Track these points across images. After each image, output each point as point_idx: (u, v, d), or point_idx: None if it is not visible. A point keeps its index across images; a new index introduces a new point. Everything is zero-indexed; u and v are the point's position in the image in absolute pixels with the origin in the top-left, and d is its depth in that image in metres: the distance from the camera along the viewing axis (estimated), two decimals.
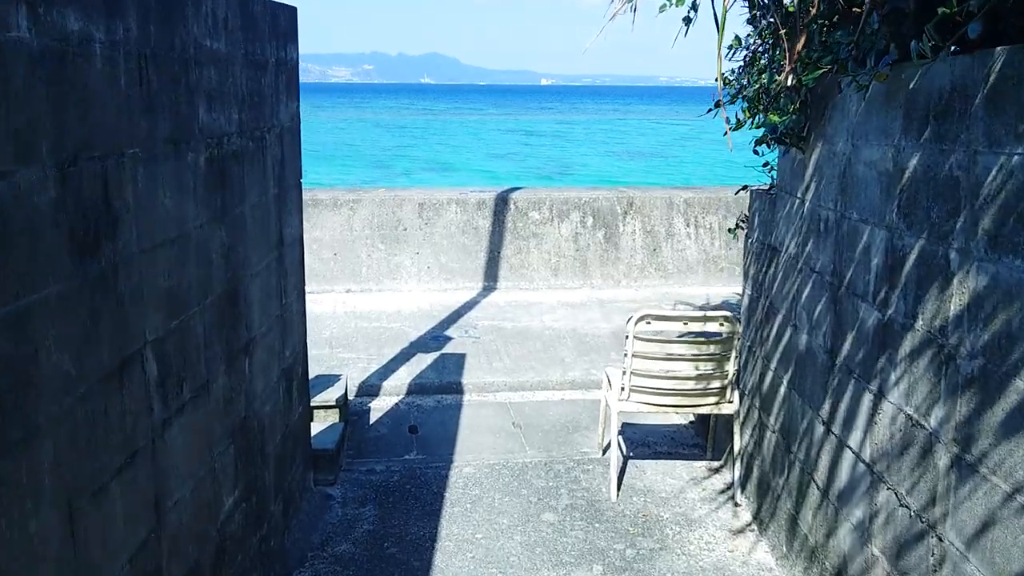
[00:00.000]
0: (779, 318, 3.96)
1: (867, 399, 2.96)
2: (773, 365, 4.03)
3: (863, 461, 2.99)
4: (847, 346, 3.15)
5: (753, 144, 4.13)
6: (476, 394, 6.06)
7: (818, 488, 3.44)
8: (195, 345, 2.74)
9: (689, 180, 35.52)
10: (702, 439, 5.25)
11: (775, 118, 3.43)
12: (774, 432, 4.01)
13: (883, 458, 2.83)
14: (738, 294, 8.39)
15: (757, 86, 3.60)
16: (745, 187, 5.11)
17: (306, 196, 8.25)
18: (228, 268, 3.06)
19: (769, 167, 4.44)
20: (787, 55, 3.03)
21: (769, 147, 4.15)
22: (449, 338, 7.01)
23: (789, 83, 3.13)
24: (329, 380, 5.33)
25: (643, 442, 5.25)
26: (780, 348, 3.94)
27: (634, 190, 9.10)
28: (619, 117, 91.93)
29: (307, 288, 8.32)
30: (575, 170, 39.19)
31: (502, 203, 8.57)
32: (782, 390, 3.90)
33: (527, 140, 57.99)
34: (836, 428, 3.24)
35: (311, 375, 5.62)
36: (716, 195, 8.92)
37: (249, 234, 3.32)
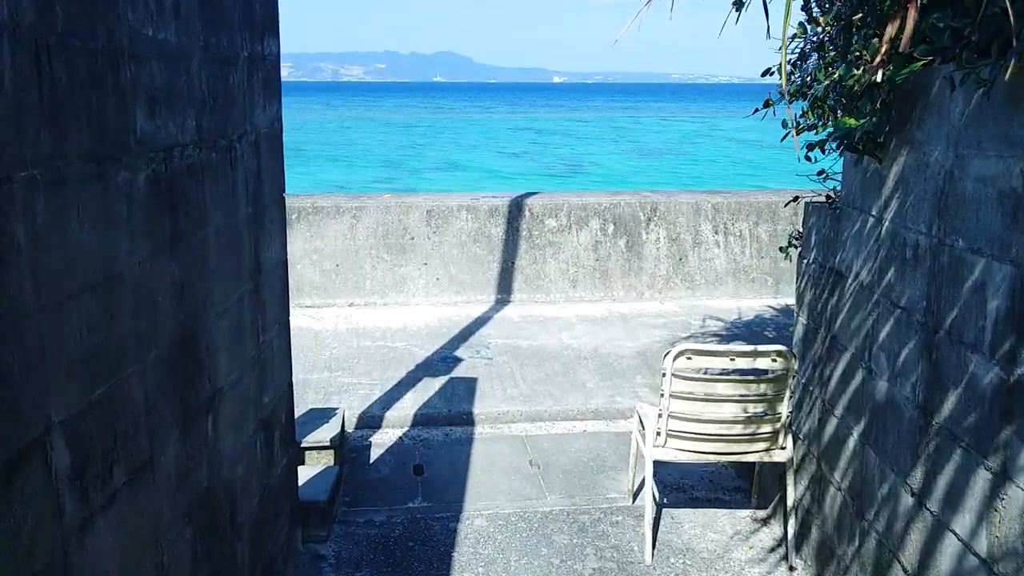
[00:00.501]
0: (847, 356, 3.35)
1: (983, 477, 2.35)
2: (839, 411, 3.42)
3: (976, 555, 2.38)
4: (949, 405, 2.54)
5: (805, 149, 3.52)
6: (489, 425, 5.47)
7: (905, 572, 2.83)
8: (132, 414, 2.16)
9: (703, 179, 34.78)
10: (744, 482, 4.64)
11: (852, 121, 2.82)
12: (840, 490, 3.40)
13: (1009, 558, 2.22)
14: (772, 307, 7.78)
15: (827, 82, 2.98)
16: (796, 198, 4.50)
17: (305, 203, 7.69)
18: (181, 310, 2.48)
19: (824, 175, 3.83)
20: (880, 42, 2.42)
21: (824, 152, 3.54)
22: (459, 359, 6.42)
23: (879, 78, 2.51)
24: (324, 415, 4.75)
25: (678, 486, 4.64)
26: (848, 392, 3.32)
27: (658, 194, 8.49)
28: (631, 115, 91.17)
29: (307, 303, 7.77)
30: (587, 169, 38.58)
31: (516, 209, 7.97)
32: (851, 443, 3.29)
33: (538, 138, 57.41)
34: (933, 504, 2.63)
35: (306, 406, 5.05)
36: (746, 200, 8.29)
37: (212, 265, 2.74)
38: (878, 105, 2.88)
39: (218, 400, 2.80)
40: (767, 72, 3.76)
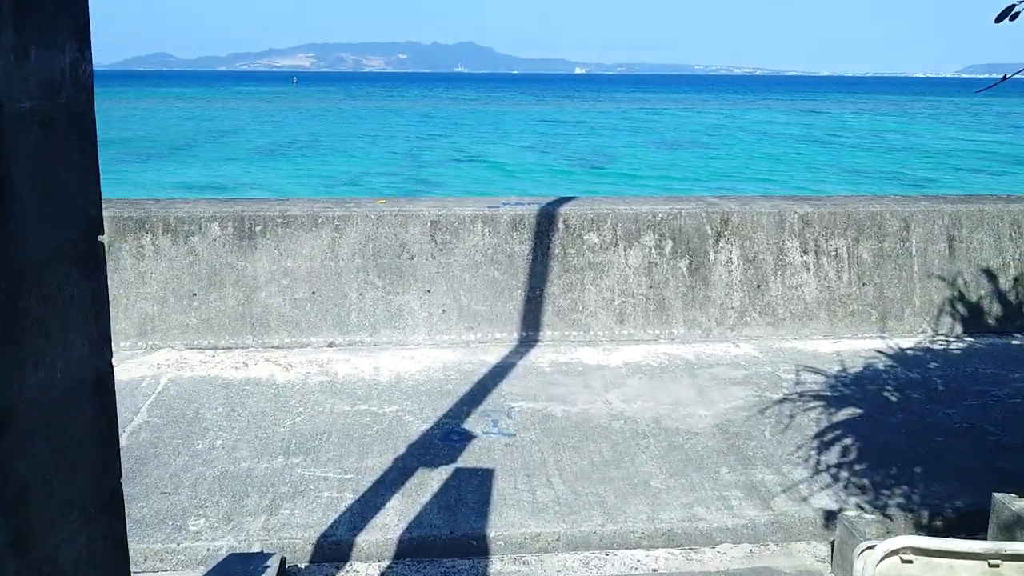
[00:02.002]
0: None
1: None
2: None
3: None
4: None
5: None
6: (511, 560, 3.67)
7: None
8: None
9: (726, 171, 32.70)
10: None
11: None
12: None
13: None
14: (881, 352, 5.91)
15: None
16: None
17: (273, 212, 5.94)
18: None
19: None
20: None
21: None
22: (469, 436, 4.62)
23: None
24: (248, 569, 2.96)
25: None
26: None
27: (729, 201, 6.62)
28: (652, 106, 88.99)
29: (272, 342, 5.98)
30: (615, 162, 36.64)
31: (546, 220, 6.15)
32: None
33: (560, 129, 55.54)
34: None
35: (246, 514, 3.29)
36: (843, 209, 6.42)
37: None
38: None
39: None
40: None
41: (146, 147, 37.46)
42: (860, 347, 6.07)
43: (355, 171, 30.06)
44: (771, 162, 36.65)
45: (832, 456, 4.42)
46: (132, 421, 4.68)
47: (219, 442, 4.46)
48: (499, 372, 5.53)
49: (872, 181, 29.30)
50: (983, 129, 56.83)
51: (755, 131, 54.92)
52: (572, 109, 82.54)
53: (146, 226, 5.83)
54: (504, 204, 6.32)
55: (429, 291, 6.05)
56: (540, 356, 5.83)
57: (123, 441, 4.32)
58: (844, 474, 4.24)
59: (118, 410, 1.66)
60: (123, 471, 1.69)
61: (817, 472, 4.25)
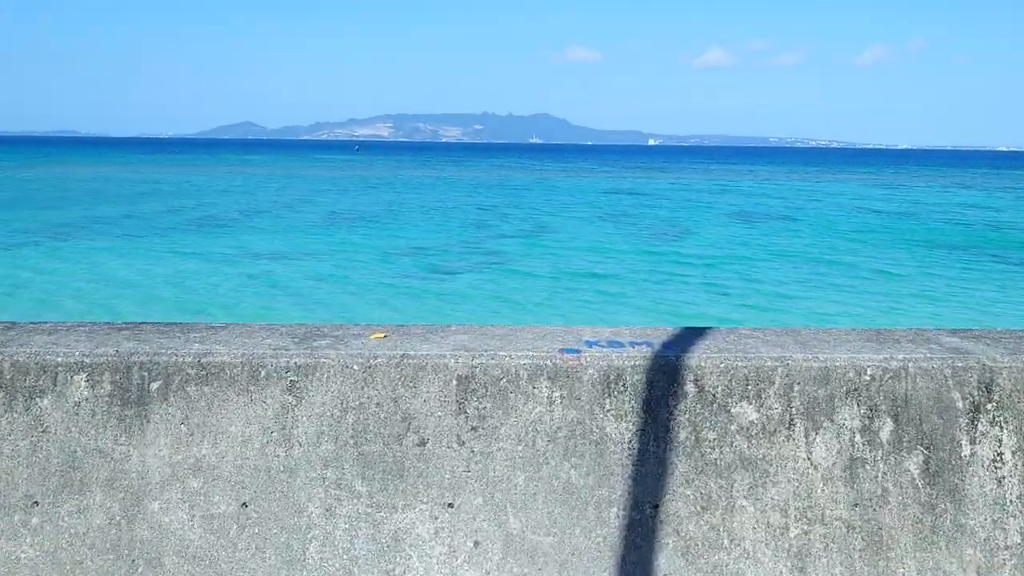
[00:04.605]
0: None
1: None
2: None
3: None
4: None
5: None
6: None
7: None
8: None
9: (813, 247, 29.47)
10: None
11: None
12: None
13: None
14: None
15: None
16: None
17: (183, 359, 3.36)
18: None
19: None
20: None
21: None
22: None
23: None
24: None
25: None
26: None
27: (993, 346, 3.79)
28: (728, 179, 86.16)
29: None
30: (688, 236, 33.82)
31: (663, 377, 3.44)
32: None
33: (631, 200, 53.18)
34: None
35: None
36: None
37: None
38: None
39: None
40: None
41: (208, 215, 36.24)
42: None
43: (424, 240, 27.91)
44: (864, 235, 33.32)
45: None
46: None
47: None
48: None
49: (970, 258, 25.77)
50: None
51: (838, 204, 51.61)
52: (644, 180, 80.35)
53: None
54: (589, 344, 3.63)
55: (452, 505, 3.36)
56: None
57: None
58: None
59: None
60: None
61: None
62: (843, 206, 50.53)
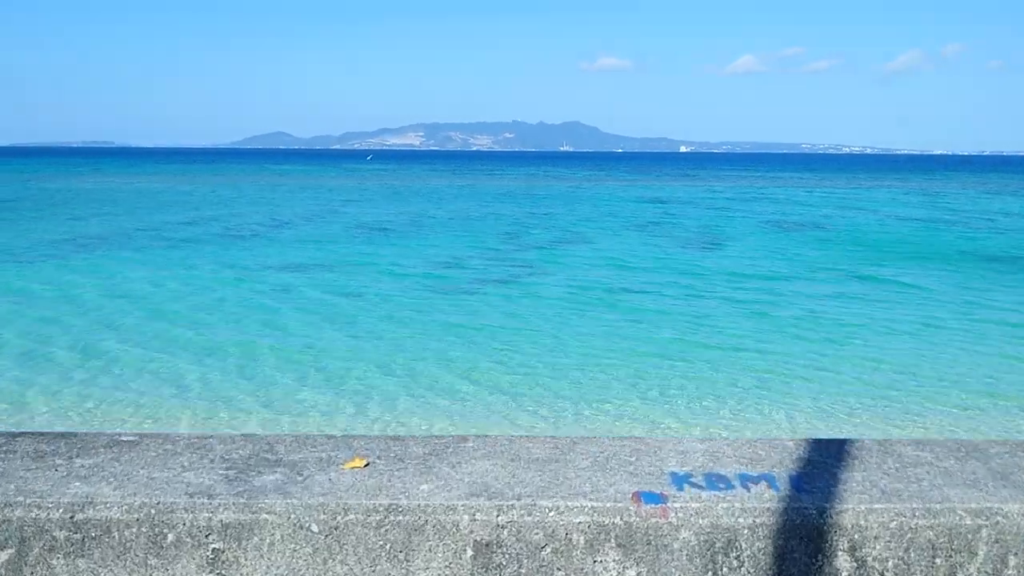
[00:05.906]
0: None
1: None
2: None
3: None
4: None
5: None
6: None
7: None
8: None
9: (854, 253, 27.88)
10: None
11: None
12: None
13: None
14: None
15: None
16: None
17: (52, 515, 2.09)
18: None
19: None
20: None
21: None
22: None
23: None
24: None
25: None
26: None
27: None
28: (762, 185, 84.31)
29: None
30: (726, 245, 32.32)
31: (797, 545, 2.18)
32: None
33: (663, 208, 51.72)
34: None
35: None
36: None
37: None
38: None
39: None
40: None
41: (237, 226, 35.45)
42: None
43: (448, 256, 26.76)
44: (902, 243, 31.63)
45: None
46: None
47: None
48: None
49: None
50: None
51: (874, 211, 49.78)
52: (677, 187, 78.79)
53: None
54: (677, 480, 2.36)
55: None
56: None
57: None
58: None
59: None
60: None
61: None
62: (891, 214, 48.71)
